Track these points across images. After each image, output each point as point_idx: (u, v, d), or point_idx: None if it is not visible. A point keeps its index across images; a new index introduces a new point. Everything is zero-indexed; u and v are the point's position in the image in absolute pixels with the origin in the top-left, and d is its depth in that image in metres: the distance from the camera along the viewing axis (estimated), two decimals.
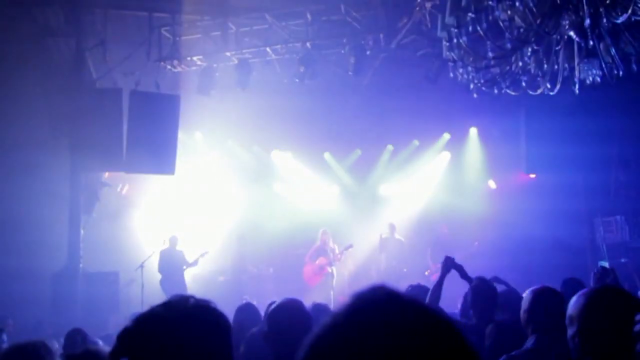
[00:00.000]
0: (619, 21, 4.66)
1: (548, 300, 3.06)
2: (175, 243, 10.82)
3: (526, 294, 3.14)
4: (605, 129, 10.37)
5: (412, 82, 10.30)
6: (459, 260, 4.62)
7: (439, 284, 4.35)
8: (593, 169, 10.78)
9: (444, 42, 5.56)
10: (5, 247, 8.63)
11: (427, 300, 4.24)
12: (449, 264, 4.50)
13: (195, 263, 10.69)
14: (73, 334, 4.53)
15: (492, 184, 13.07)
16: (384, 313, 0.82)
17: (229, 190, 12.97)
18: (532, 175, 11.76)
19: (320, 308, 4.26)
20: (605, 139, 10.51)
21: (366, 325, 0.80)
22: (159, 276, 10.43)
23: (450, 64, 5.78)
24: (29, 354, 2.66)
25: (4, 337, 4.88)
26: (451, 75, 5.99)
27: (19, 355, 2.66)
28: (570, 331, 2.20)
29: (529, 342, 2.98)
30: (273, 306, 3.02)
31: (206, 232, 12.21)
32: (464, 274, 4.53)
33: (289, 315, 2.83)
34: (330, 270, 11.47)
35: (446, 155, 13.41)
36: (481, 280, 4.18)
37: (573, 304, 2.21)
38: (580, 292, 2.24)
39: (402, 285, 11.18)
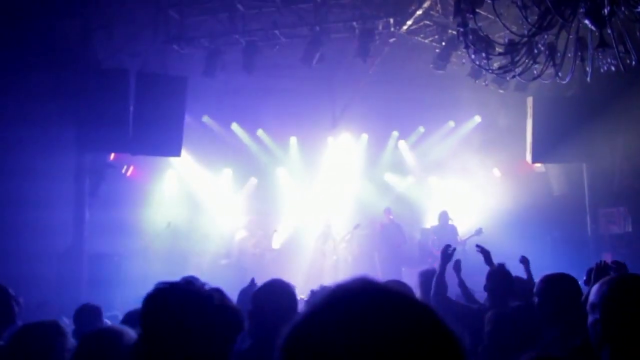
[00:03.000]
0: (638, 10, 4.61)
1: (562, 288, 3.05)
2: (176, 225, 10.81)
3: (541, 282, 3.12)
4: (610, 119, 10.34)
5: (420, 69, 10.25)
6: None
7: (441, 273, 4.36)
8: (597, 159, 10.77)
9: (458, 28, 5.51)
10: (10, 227, 8.62)
11: (432, 290, 4.25)
12: (448, 254, 4.52)
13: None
14: (81, 312, 4.34)
15: (496, 173, 13.07)
16: (363, 302, 0.82)
17: (235, 174, 12.97)
18: (537, 165, 11.74)
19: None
20: (611, 130, 10.48)
21: (345, 314, 0.80)
22: (163, 257, 10.46)
23: (463, 49, 5.74)
24: (40, 334, 2.65)
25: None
26: (463, 61, 5.95)
27: (31, 336, 2.66)
28: (591, 318, 2.20)
29: (554, 332, 2.98)
30: (259, 285, 3.02)
31: (211, 215, 12.24)
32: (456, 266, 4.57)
33: (275, 296, 2.82)
34: (335, 254, 11.53)
35: (450, 142, 13.40)
36: (499, 267, 4.19)
37: (596, 291, 2.21)
38: (603, 280, 2.24)
39: (404, 271, 11.29)
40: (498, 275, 4.10)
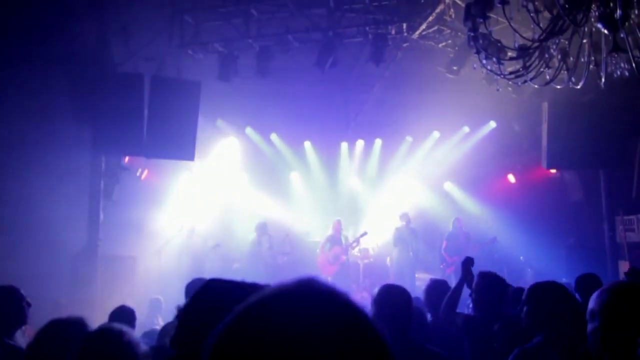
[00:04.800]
0: None
1: (548, 295, 3.05)
2: (193, 231, 10.87)
3: (530, 291, 3.14)
4: (628, 123, 10.17)
5: (434, 74, 10.21)
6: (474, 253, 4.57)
7: (459, 286, 4.30)
8: (615, 165, 10.59)
9: (468, 32, 5.48)
10: (25, 228, 8.75)
11: (445, 301, 4.21)
12: (469, 266, 4.44)
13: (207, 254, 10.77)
14: (117, 314, 4.38)
15: (511, 179, 12.96)
16: (300, 302, 0.81)
17: (247, 178, 13.03)
18: (553, 171, 11.60)
19: None
20: (629, 134, 10.31)
21: (280, 314, 0.79)
22: (175, 261, 10.53)
23: (474, 54, 5.70)
24: (68, 329, 2.70)
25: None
26: (474, 66, 5.91)
27: (58, 330, 2.71)
28: (590, 326, 2.17)
29: (539, 338, 2.97)
30: None
31: (223, 220, 12.30)
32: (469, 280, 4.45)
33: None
34: (344, 259, 11.50)
35: (464, 148, 13.33)
36: (485, 274, 4.13)
37: (595, 299, 2.17)
38: (603, 288, 2.20)
39: (418, 276, 11.23)
40: (486, 283, 4.04)
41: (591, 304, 2.19)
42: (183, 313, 1.61)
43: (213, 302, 1.55)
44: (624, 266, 10.28)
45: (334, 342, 0.77)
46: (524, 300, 3.09)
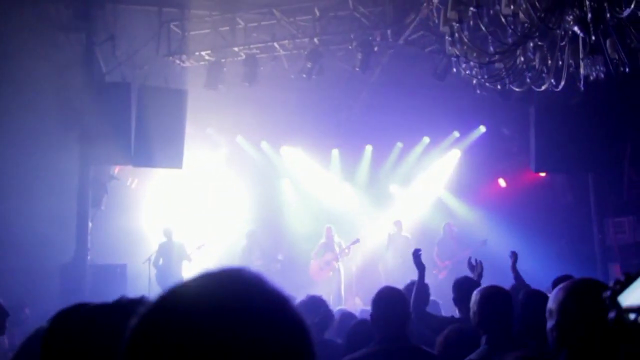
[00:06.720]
0: (623, 16, 4.59)
1: (495, 301, 3.12)
2: (171, 235, 10.76)
3: (474, 295, 3.21)
4: (616, 126, 10.22)
5: (421, 79, 10.25)
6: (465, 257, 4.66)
7: (421, 281, 4.43)
8: (604, 168, 10.64)
9: (447, 37, 5.52)
10: (14, 239, 8.74)
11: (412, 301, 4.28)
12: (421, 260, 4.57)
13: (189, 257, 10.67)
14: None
15: (501, 183, 12.99)
16: (223, 287, 0.81)
17: (238, 186, 13.03)
18: (542, 174, 11.64)
19: (316, 301, 4.28)
20: (617, 137, 10.36)
21: (203, 303, 0.79)
22: (165, 269, 10.49)
23: (454, 59, 5.75)
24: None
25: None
26: (454, 70, 5.96)
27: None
28: (549, 324, 2.19)
29: (481, 345, 3.04)
30: (297, 302, 3.28)
31: (214, 227, 12.28)
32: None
33: (312, 312, 2.98)
34: (336, 266, 11.49)
35: (455, 153, 13.37)
36: (464, 278, 4.20)
37: (552, 297, 2.20)
38: (560, 286, 2.23)
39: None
40: (464, 285, 4.09)
41: (549, 302, 2.21)
42: (44, 343, 1.49)
43: (77, 328, 1.45)
44: (614, 268, 10.31)
45: (255, 326, 0.77)
46: (472, 304, 3.16)
